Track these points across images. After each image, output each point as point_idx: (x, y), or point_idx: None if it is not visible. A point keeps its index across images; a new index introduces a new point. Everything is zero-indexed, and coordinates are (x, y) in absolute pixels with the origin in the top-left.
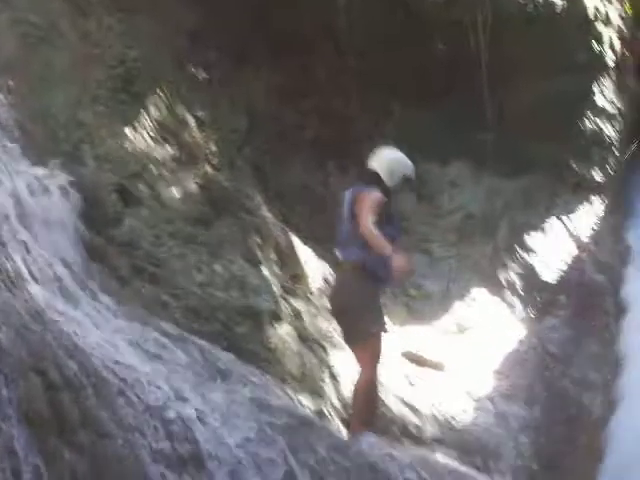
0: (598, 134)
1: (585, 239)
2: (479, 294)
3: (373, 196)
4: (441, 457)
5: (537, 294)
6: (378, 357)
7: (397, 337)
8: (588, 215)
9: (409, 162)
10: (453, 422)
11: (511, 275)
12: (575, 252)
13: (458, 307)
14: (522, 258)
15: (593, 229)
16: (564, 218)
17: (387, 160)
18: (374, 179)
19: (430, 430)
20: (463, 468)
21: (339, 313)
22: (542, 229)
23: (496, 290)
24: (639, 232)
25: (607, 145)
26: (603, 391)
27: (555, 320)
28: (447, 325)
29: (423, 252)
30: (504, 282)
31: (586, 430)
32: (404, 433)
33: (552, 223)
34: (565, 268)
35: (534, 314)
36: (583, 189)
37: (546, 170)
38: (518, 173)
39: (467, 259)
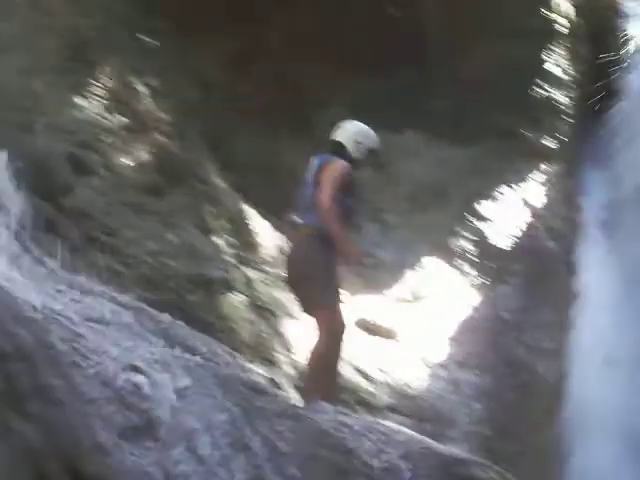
0: (551, 102)
1: (538, 207)
2: (432, 262)
3: (339, 167)
4: (394, 424)
5: (490, 262)
6: (336, 327)
7: (351, 306)
8: (541, 183)
9: (374, 134)
10: (406, 389)
11: (464, 243)
12: (528, 220)
13: (411, 275)
14: (475, 226)
15: (546, 196)
16: (517, 186)
17: (353, 132)
18: (339, 151)
19: (383, 397)
20: (416, 435)
21: (295, 280)
22: (495, 197)
23: (449, 258)
24: (592, 199)
25: (560, 112)
26: (556, 358)
27: (508, 288)
28: (401, 293)
29: (376, 221)
30: (457, 250)
31: (539, 397)
32: (357, 401)
33: (505, 191)
34: (518, 236)
35: (487, 282)
36: (536, 157)
37: (499, 138)
38: (471, 141)
39: (420, 227)
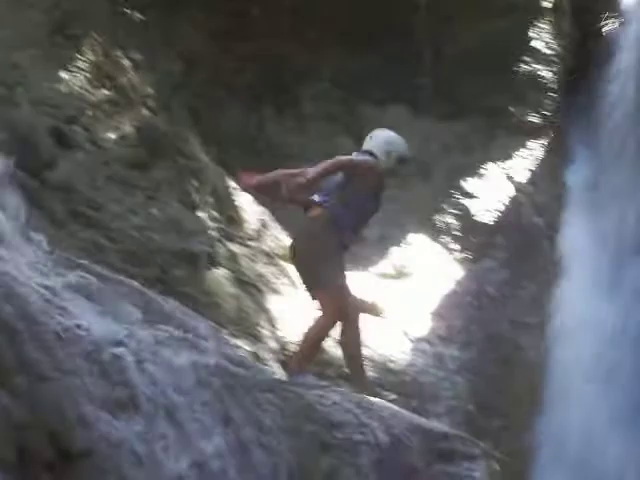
0: (535, 77)
1: (523, 182)
2: (416, 237)
3: (362, 160)
4: (378, 399)
5: (474, 237)
6: (343, 310)
7: None
8: (525, 158)
9: (404, 142)
10: (390, 364)
11: (448, 218)
12: (513, 195)
13: (396, 251)
14: (459, 201)
15: (531, 172)
16: (501, 161)
17: (383, 141)
18: None
19: (369, 372)
20: (400, 410)
21: (303, 257)
22: (479, 172)
23: (433, 233)
24: (577, 174)
25: (544, 88)
26: (539, 332)
27: (492, 262)
28: (384, 268)
29: None
30: (441, 225)
31: (522, 371)
32: (341, 375)
33: (489, 166)
34: (503, 211)
35: (471, 257)
36: (520, 132)
37: (483, 113)
38: (455, 116)
39: (404, 203)
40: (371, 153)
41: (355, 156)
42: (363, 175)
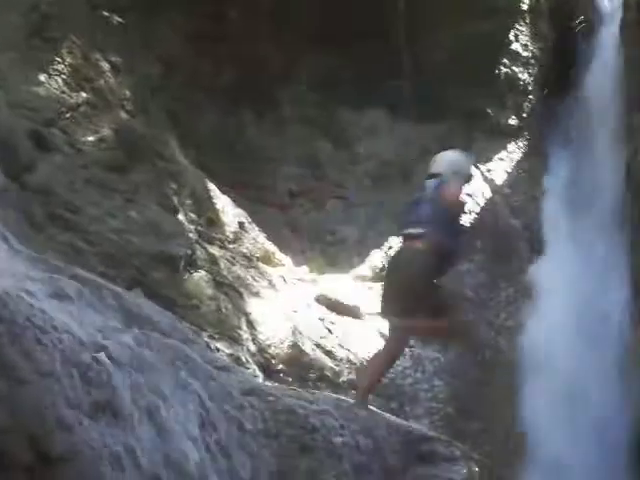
0: (513, 79)
1: (500, 184)
2: (394, 240)
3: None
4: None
5: None
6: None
7: (317, 283)
8: (504, 160)
9: (470, 161)
10: None
11: None
12: (490, 197)
13: (374, 253)
14: None
15: (508, 174)
16: (480, 163)
17: (450, 163)
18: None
19: (346, 374)
20: (379, 412)
21: (403, 287)
22: None
23: None
24: (555, 176)
25: (522, 90)
26: (518, 334)
27: (471, 264)
28: (363, 271)
29: (339, 198)
30: None
31: (502, 374)
32: (320, 378)
33: None
34: (480, 213)
35: None
36: (499, 134)
37: (462, 116)
38: (434, 119)
39: (383, 205)
40: (438, 175)
41: (430, 184)
42: (456, 203)
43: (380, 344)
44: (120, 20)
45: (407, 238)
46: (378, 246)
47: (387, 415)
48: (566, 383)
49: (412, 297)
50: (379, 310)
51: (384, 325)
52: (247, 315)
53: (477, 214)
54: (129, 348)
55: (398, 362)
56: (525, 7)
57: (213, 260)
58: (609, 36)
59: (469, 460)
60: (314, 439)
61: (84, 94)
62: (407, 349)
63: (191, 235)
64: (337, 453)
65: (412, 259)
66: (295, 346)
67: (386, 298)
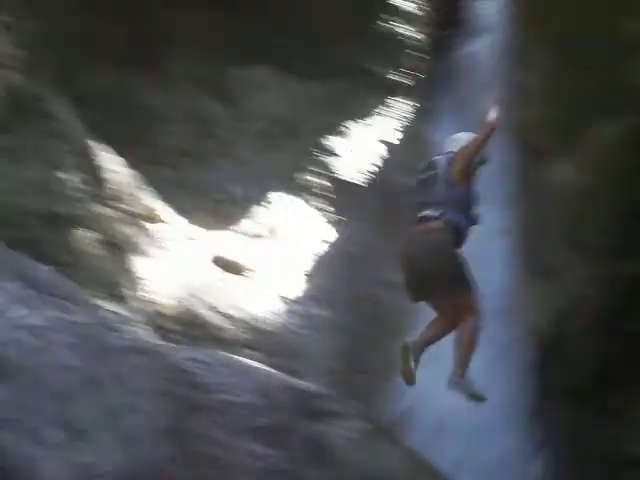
0: (400, 36)
1: (388, 141)
2: (286, 198)
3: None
4: (250, 360)
5: (343, 197)
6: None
7: (206, 242)
8: (391, 117)
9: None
10: (262, 325)
11: (317, 179)
12: (378, 154)
13: (265, 211)
14: (327, 162)
15: (398, 132)
16: (369, 121)
17: (464, 142)
18: None
19: (239, 334)
20: (272, 370)
21: (427, 275)
22: (347, 133)
23: (303, 194)
24: (444, 134)
25: (409, 47)
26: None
27: (361, 223)
28: (255, 229)
29: (228, 157)
30: (310, 186)
31: (392, 330)
32: (212, 337)
33: (357, 127)
34: (369, 170)
35: (340, 217)
36: (388, 92)
37: (351, 74)
38: (323, 77)
39: (273, 163)
40: (449, 152)
41: (442, 161)
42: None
43: (269, 300)
44: None
45: (422, 220)
46: (264, 204)
47: (279, 373)
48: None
49: (439, 278)
50: (409, 298)
51: (278, 283)
52: (135, 274)
53: (365, 171)
54: (19, 310)
55: (291, 320)
56: None
57: (98, 219)
58: None
59: (360, 416)
60: (204, 398)
61: None
62: (299, 307)
63: (76, 194)
64: (229, 411)
65: (432, 242)
66: (185, 305)
67: (412, 284)
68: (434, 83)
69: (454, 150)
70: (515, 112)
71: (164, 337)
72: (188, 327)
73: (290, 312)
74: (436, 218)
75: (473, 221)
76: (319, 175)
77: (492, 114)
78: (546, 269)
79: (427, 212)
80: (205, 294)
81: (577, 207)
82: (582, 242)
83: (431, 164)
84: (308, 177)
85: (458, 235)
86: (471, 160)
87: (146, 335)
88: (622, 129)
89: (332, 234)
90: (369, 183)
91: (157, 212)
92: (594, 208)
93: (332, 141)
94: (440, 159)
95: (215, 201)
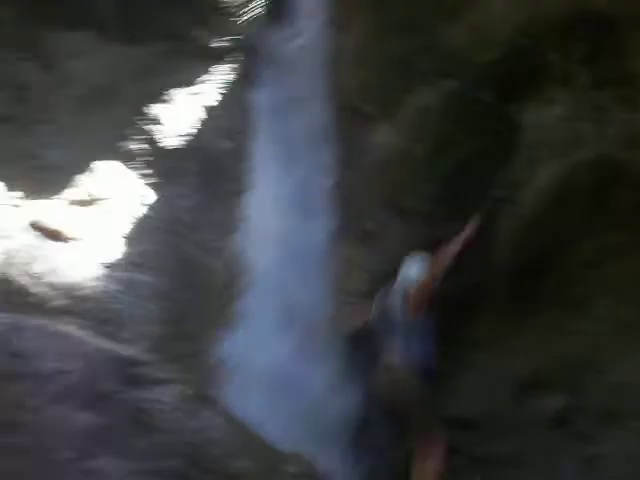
0: (221, 3)
1: (210, 106)
2: (106, 164)
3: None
4: (68, 327)
5: (165, 162)
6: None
7: (24, 208)
8: (213, 82)
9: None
10: (81, 291)
11: (137, 144)
12: (200, 119)
13: (85, 177)
14: (148, 127)
15: (218, 96)
16: (188, 86)
17: (421, 270)
18: None
19: (57, 300)
20: (90, 337)
21: (401, 411)
22: (167, 98)
23: (123, 159)
24: (265, 98)
25: (231, 12)
26: (229, 256)
27: (183, 188)
28: (74, 195)
29: (46, 122)
30: (131, 151)
31: (215, 296)
32: (30, 303)
33: (176, 92)
34: (191, 135)
35: (163, 182)
36: (208, 57)
37: (170, 39)
38: (146, 43)
39: (92, 128)
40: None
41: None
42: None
43: (94, 269)
44: None
45: (386, 349)
46: (89, 169)
47: (100, 340)
48: (277, 303)
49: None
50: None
51: (98, 248)
52: None
53: (187, 136)
54: None
55: (112, 286)
56: None
57: None
58: None
59: (181, 382)
60: (21, 365)
61: None
62: (121, 273)
63: None
64: (44, 379)
65: (398, 388)
66: (1, 271)
67: (387, 411)
68: (258, 50)
69: (409, 287)
70: (338, 76)
71: None
72: (4, 294)
73: (111, 278)
74: (396, 350)
75: (432, 355)
76: (140, 141)
77: (464, 233)
78: (365, 233)
79: (388, 341)
80: (23, 261)
81: (397, 172)
82: (401, 206)
83: (397, 283)
84: (129, 143)
85: (422, 372)
86: (425, 297)
87: None
88: (442, 95)
89: (154, 199)
90: (191, 148)
91: None
92: (413, 173)
93: (154, 107)
94: (397, 292)
95: (34, 168)
